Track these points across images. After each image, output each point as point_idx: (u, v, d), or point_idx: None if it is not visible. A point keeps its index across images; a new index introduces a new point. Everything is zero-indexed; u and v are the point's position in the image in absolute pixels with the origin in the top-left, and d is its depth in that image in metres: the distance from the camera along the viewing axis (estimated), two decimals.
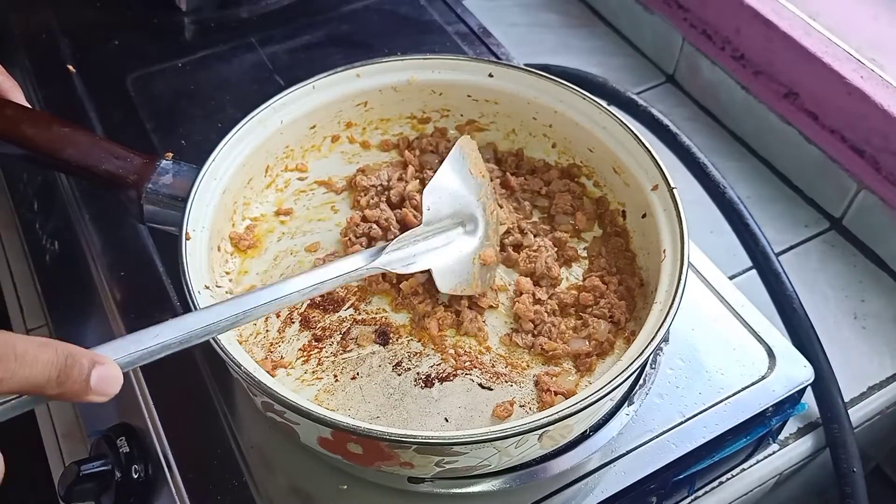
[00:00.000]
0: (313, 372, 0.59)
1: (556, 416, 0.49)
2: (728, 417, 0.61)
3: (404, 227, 0.65)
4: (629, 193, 0.65)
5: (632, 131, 0.64)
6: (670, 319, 0.53)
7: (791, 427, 0.72)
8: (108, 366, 0.41)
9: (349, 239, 0.66)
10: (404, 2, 0.96)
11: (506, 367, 0.59)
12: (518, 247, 0.66)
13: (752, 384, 0.63)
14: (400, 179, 0.70)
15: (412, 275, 0.62)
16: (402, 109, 0.73)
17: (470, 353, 0.60)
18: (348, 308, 0.63)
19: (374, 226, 0.66)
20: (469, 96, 0.71)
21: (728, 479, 0.68)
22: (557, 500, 0.59)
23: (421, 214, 0.62)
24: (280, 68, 0.88)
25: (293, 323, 0.62)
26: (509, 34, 1.05)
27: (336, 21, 0.94)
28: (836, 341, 0.77)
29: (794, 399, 0.64)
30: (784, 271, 0.75)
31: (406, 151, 0.72)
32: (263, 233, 0.67)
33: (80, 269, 0.74)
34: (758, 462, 0.69)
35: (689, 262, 0.56)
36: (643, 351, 0.52)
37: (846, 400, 0.70)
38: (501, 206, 0.68)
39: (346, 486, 0.58)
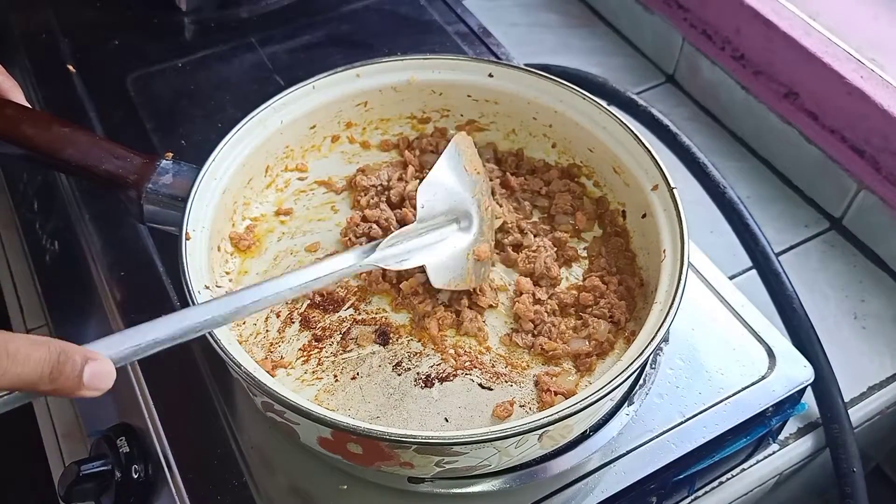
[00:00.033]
0: (313, 372, 0.59)
1: (556, 416, 0.49)
2: (728, 417, 0.61)
3: (404, 226, 0.65)
4: (629, 193, 0.65)
5: (632, 131, 0.64)
6: (670, 319, 0.53)
7: (791, 427, 0.72)
8: (101, 362, 0.42)
9: (349, 239, 0.66)
10: (404, 2, 0.96)
11: (506, 367, 0.59)
12: (518, 247, 0.66)
13: (752, 384, 0.63)
14: (400, 179, 0.70)
15: (412, 275, 0.63)
16: (402, 109, 0.73)
17: (470, 353, 0.60)
18: (348, 308, 0.63)
19: (374, 226, 0.66)
20: (469, 96, 0.71)
21: (728, 479, 0.68)
22: (557, 500, 0.59)
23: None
24: (280, 68, 0.88)
25: (293, 323, 0.62)
26: (509, 34, 1.05)
27: (336, 21, 0.94)
28: (836, 341, 0.77)
29: (794, 399, 0.64)
30: (784, 271, 0.75)
31: (406, 151, 0.72)
32: (263, 233, 0.67)
33: (80, 269, 0.74)
34: (758, 462, 0.69)
35: (689, 262, 0.56)
36: (643, 351, 0.52)
37: (846, 400, 0.70)
38: (501, 206, 0.68)
39: (346, 486, 0.58)
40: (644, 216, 0.63)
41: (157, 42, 0.91)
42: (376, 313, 0.62)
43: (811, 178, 0.90)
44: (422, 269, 0.63)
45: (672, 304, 0.54)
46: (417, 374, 0.59)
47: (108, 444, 0.63)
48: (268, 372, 0.55)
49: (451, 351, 0.60)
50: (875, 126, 0.80)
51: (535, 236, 0.66)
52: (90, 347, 0.43)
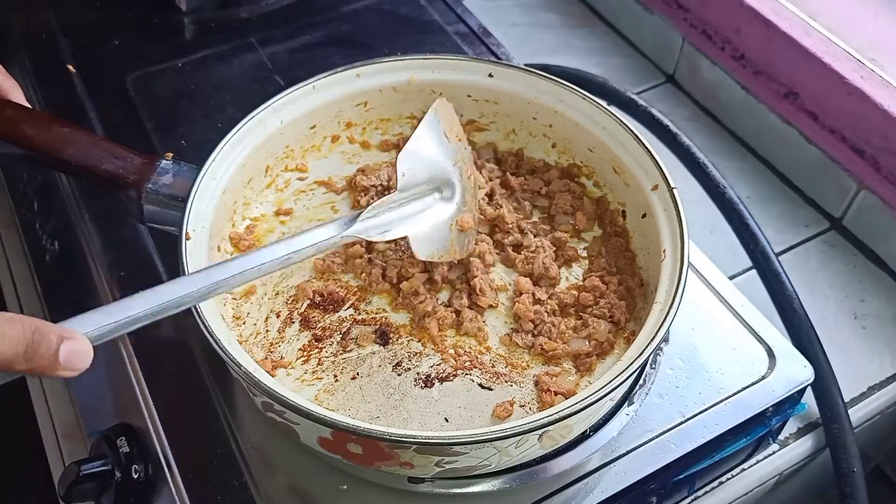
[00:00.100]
0: (313, 372, 0.59)
1: (556, 416, 0.49)
2: (728, 417, 0.61)
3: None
4: (629, 193, 0.65)
5: (632, 131, 0.64)
6: (670, 319, 0.53)
7: (791, 427, 0.72)
8: (77, 340, 0.41)
9: None
10: (404, 2, 0.96)
11: (506, 367, 0.59)
12: (518, 247, 0.66)
13: (752, 384, 0.63)
14: None
15: (412, 275, 0.63)
16: (402, 109, 0.73)
17: (470, 353, 0.60)
18: (348, 308, 0.63)
19: None
20: (469, 96, 0.71)
21: (728, 479, 0.68)
22: (557, 500, 0.58)
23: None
24: (280, 68, 0.88)
25: (293, 323, 0.62)
26: (509, 34, 1.05)
27: (336, 21, 0.94)
28: (836, 341, 0.77)
29: (794, 399, 0.64)
30: (784, 271, 0.75)
31: None
32: (263, 233, 0.67)
33: (80, 269, 0.74)
34: (758, 462, 0.69)
35: (689, 262, 0.56)
36: (643, 351, 0.52)
37: (846, 400, 0.70)
38: (501, 206, 0.68)
39: (346, 486, 0.58)
40: (644, 216, 0.63)
41: (157, 42, 0.91)
42: (376, 313, 0.62)
43: (811, 178, 0.90)
44: (422, 269, 0.63)
45: (672, 304, 0.54)
46: (417, 374, 0.59)
47: (108, 444, 0.63)
48: (268, 372, 0.55)
49: (451, 351, 0.60)
50: (875, 126, 0.80)
51: (534, 236, 0.66)
52: (67, 325, 0.42)
